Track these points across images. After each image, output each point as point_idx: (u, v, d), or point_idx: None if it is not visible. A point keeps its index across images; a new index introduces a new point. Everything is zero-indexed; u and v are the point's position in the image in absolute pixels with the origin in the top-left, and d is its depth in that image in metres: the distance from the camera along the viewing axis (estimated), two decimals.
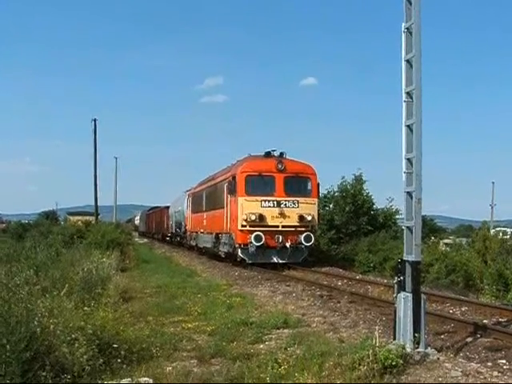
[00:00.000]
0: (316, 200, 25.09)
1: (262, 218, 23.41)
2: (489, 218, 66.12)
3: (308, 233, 23.65)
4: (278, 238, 23.41)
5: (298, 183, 24.74)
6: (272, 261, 23.76)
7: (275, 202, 23.70)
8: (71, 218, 72.79)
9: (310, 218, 23.86)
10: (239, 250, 23.97)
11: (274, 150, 25.15)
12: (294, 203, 23.89)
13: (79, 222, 46.52)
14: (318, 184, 25.44)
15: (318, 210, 26.13)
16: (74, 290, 11.75)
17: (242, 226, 23.50)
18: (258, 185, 24.10)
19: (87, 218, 56.53)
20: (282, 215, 23.67)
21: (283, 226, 23.62)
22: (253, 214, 23.30)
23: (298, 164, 25.10)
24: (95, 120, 51.77)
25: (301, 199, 24.14)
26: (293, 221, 23.71)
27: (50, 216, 70.19)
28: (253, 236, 22.97)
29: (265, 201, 23.68)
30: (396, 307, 8.80)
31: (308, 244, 23.58)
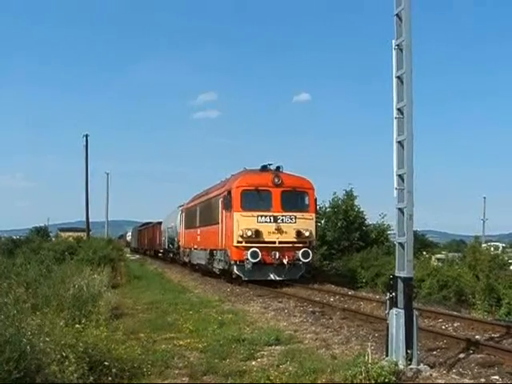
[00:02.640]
0: (314, 215, 24.48)
1: (258, 233, 22.80)
2: (480, 232, 66.31)
3: (306, 249, 23.00)
4: (275, 254, 22.76)
5: (296, 198, 24.17)
6: (269, 278, 23.15)
7: (272, 218, 23.10)
8: (62, 233, 72.54)
9: (307, 233, 23.27)
10: (235, 267, 23.33)
11: (270, 164, 24.58)
12: (291, 218, 23.29)
13: (70, 238, 46.36)
14: (316, 199, 24.94)
15: (316, 226, 25.52)
16: (64, 307, 11.68)
17: (238, 242, 22.86)
18: (254, 200, 23.48)
19: (79, 233, 56.32)
20: (279, 231, 23.05)
21: (280, 242, 23.01)
22: (249, 229, 22.69)
23: (295, 178, 24.54)
24: (87, 136, 51.79)
25: (298, 214, 23.54)
26: (290, 237, 23.11)
27: (41, 232, 69.68)
28: (249, 252, 22.32)
29: (261, 216, 23.05)
30: (388, 323, 8.79)
31: (306, 260, 22.96)
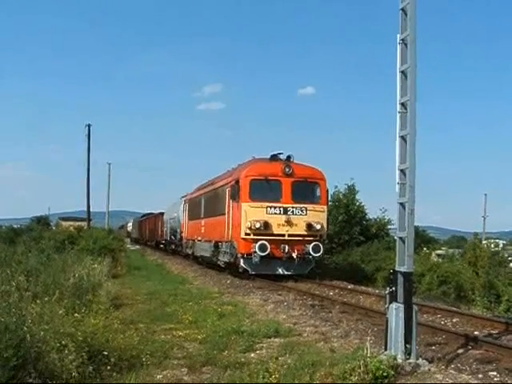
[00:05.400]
0: (325, 207, 23.35)
1: (267, 225, 21.82)
2: (481, 229, 66.40)
3: (316, 242, 22.11)
4: (284, 247, 21.88)
5: (306, 189, 23.14)
6: (277, 272, 22.33)
7: (282, 209, 22.13)
8: (63, 223, 72.61)
9: (318, 226, 22.29)
10: (242, 260, 22.40)
11: (280, 153, 23.59)
12: (301, 210, 22.32)
13: (71, 228, 46.33)
14: (327, 190, 24.08)
15: (327, 218, 24.35)
16: (64, 296, 11.71)
17: (246, 234, 21.90)
18: (264, 190, 22.48)
19: (79, 223, 56.24)
20: (289, 223, 22.09)
21: (290, 235, 22.03)
22: (257, 221, 21.72)
23: (307, 168, 23.52)
24: (89, 125, 51.66)
25: (309, 206, 22.55)
26: (300, 229, 22.18)
27: (42, 221, 69.80)
28: (257, 245, 21.38)
29: (270, 207, 22.10)
30: (388, 318, 8.79)
31: (316, 254, 22.11)
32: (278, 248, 21.95)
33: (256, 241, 21.66)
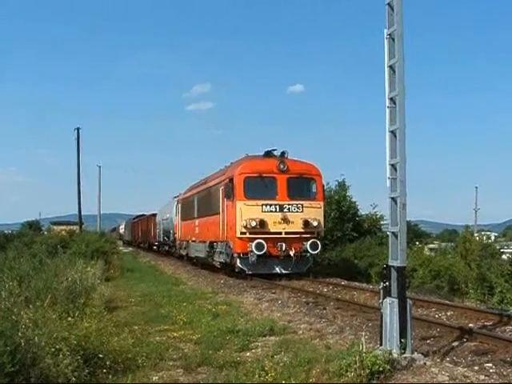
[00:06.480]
0: (322, 203, 23.10)
1: (263, 223, 21.51)
2: (473, 222, 66.63)
3: (314, 240, 21.81)
4: (281, 245, 21.54)
5: (302, 185, 22.89)
6: (274, 271, 22.00)
7: (277, 206, 21.79)
8: (55, 227, 72.26)
9: (315, 223, 22.00)
10: (238, 260, 22.04)
11: (274, 150, 23.23)
12: (298, 207, 21.97)
13: (63, 232, 46.23)
14: (323, 186, 23.88)
15: (324, 215, 24.31)
16: (57, 301, 11.64)
17: (242, 233, 21.57)
18: (259, 187, 22.11)
19: (71, 227, 56.14)
20: (286, 221, 21.75)
21: (286, 233, 21.73)
22: (253, 219, 21.38)
23: (302, 164, 23.16)
24: (78, 129, 51.43)
25: (305, 203, 22.22)
26: (297, 227, 21.84)
27: (34, 226, 69.54)
28: (254, 244, 21.08)
29: (266, 205, 21.75)
30: (382, 313, 8.79)
31: (314, 252, 21.81)
32: (274, 246, 21.65)
33: (252, 240, 21.33)
